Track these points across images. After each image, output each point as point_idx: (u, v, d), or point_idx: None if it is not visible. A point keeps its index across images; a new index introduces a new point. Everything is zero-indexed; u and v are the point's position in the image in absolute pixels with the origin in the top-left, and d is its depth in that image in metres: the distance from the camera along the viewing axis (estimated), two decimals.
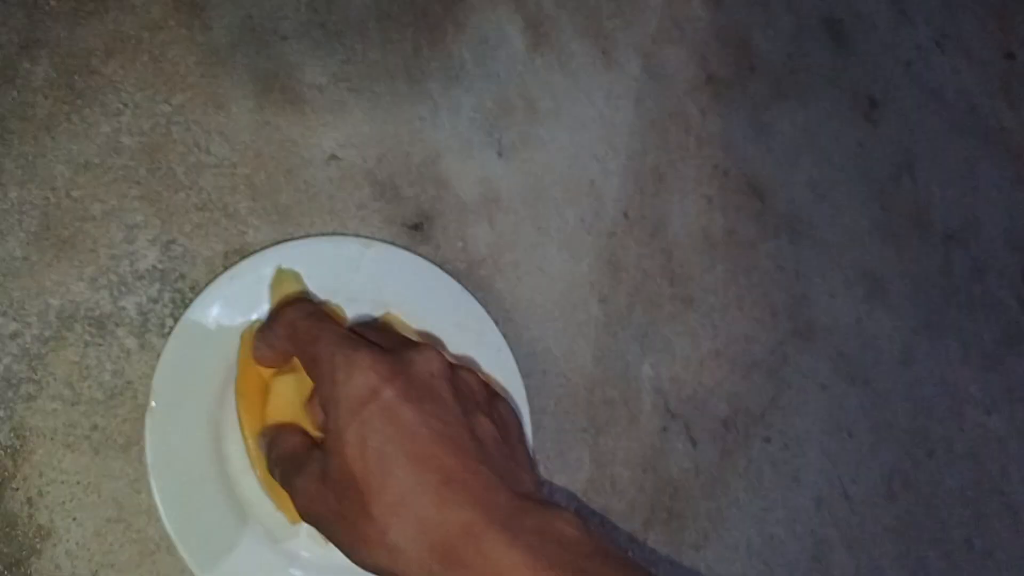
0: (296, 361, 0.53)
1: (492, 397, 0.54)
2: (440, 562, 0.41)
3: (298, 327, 0.52)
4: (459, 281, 0.68)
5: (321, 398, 0.48)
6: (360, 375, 0.45)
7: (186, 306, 0.59)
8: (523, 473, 0.48)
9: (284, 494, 0.58)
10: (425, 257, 0.68)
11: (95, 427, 0.56)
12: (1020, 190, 1.19)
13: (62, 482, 0.55)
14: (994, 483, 1.00)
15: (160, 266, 0.61)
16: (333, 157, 0.69)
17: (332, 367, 0.47)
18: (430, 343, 0.56)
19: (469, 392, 0.51)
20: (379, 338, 0.51)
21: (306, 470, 0.48)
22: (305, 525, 0.58)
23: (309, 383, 0.52)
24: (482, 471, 0.44)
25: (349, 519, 0.44)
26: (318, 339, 0.49)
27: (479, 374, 0.54)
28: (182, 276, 0.61)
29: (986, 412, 1.03)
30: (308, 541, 0.59)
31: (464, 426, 0.46)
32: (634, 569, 0.41)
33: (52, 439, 0.55)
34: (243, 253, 0.62)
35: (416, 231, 0.70)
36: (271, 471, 0.53)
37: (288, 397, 0.55)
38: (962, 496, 0.97)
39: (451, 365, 0.50)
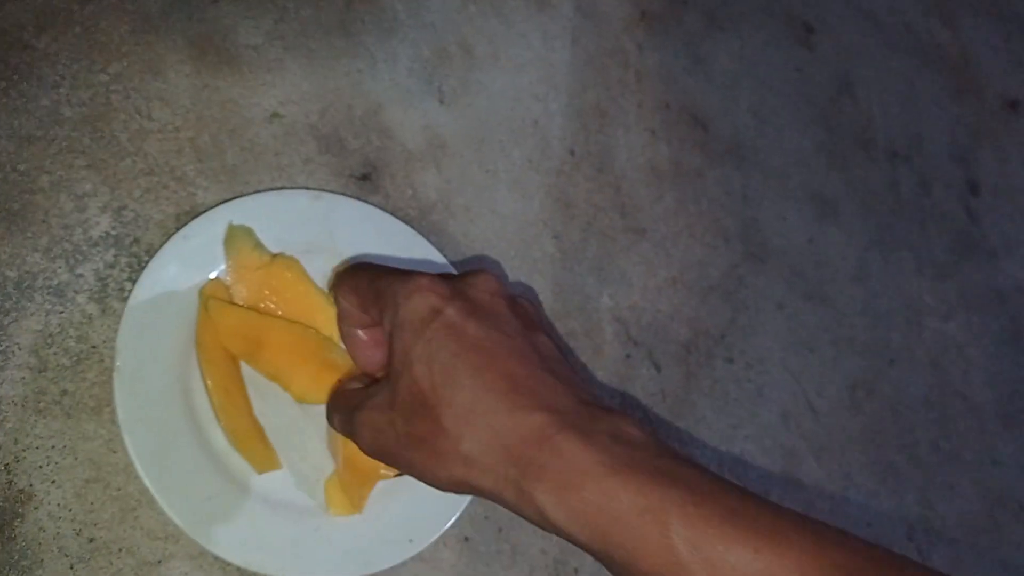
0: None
1: (546, 323, 0.55)
2: (516, 466, 0.41)
3: (359, 276, 0.54)
4: (412, 226, 0.70)
5: (387, 329, 0.48)
6: (421, 297, 0.46)
7: (143, 269, 0.60)
8: (585, 383, 0.48)
9: (250, 443, 0.60)
10: (375, 205, 0.69)
11: (64, 392, 0.57)
12: (959, 104, 1.21)
13: (37, 447, 0.56)
14: (956, 387, 1.03)
15: (113, 232, 0.62)
16: (275, 115, 0.70)
17: (393, 295, 0.47)
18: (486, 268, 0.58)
19: (525, 312, 0.51)
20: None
21: (368, 404, 0.48)
22: (273, 472, 0.60)
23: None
24: (548, 378, 0.44)
25: (421, 437, 0.44)
26: (378, 276, 0.51)
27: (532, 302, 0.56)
28: (136, 240, 0.62)
29: (943, 319, 1.05)
30: (277, 485, 0.60)
31: (526, 339, 0.47)
32: (698, 468, 0.41)
33: (23, 406, 0.56)
34: (194, 213, 0.63)
35: (365, 181, 0.72)
36: (332, 422, 0.56)
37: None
38: (926, 401, 1.00)
39: (507, 288, 0.51)
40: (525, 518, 0.42)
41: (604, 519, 0.39)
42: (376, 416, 0.47)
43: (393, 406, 0.46)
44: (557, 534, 0.41)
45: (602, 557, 0.40)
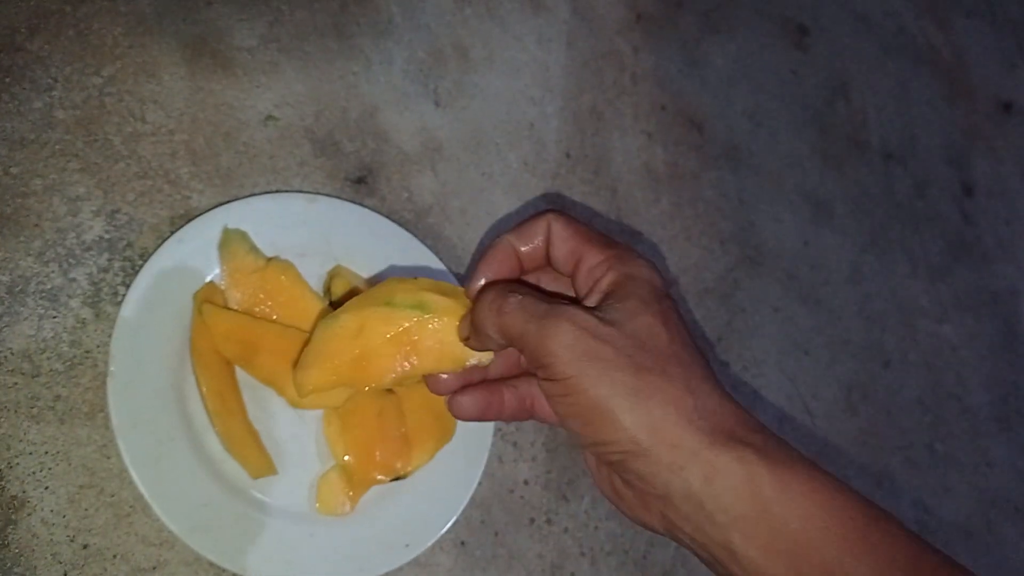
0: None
1: None
2: (719, 442, 0.41)
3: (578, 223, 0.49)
4: (407, 230, 0.69)
5: (618, 270, 0.45)
6: (656, 272, 0.45)
7: (137, 273, 0.59)
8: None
9: (244, 449, 0.59)
10: (370, 208, 0.69)
11: (58, 397, 0.57)
12: (953, 106, 1.21)
13: (30, 453, 0.55)
14: (950, 389, 1.03)
15: (107, 236, 0.61)
16: (270, 117, 0.69)
17: (631, 250, 0.46)
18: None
19: None
20: None
21: (579, 311, 0.43)
22: (268, 477, 0.60)
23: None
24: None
25: (646, 367, 0.42)
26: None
27: None
28: (130, 244, 0.62)
29: (937, 321, 1.06)
30: (272, 490, 0.60)
31: None
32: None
33: (16, 412, 0.55)
34: (188, 217, 0.63)
35: (360, 184, 0.71)
36: (483, 314, 0.46)
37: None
38: (920, 404, 1.00)
39: None
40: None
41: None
42: (592, 323, 0.43)
43: (620, 326, 0.43)
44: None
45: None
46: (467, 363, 0.47)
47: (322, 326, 0.50)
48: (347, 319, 0.49)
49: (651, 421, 0.41)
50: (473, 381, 0.49)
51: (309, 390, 0.50)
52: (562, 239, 0.47)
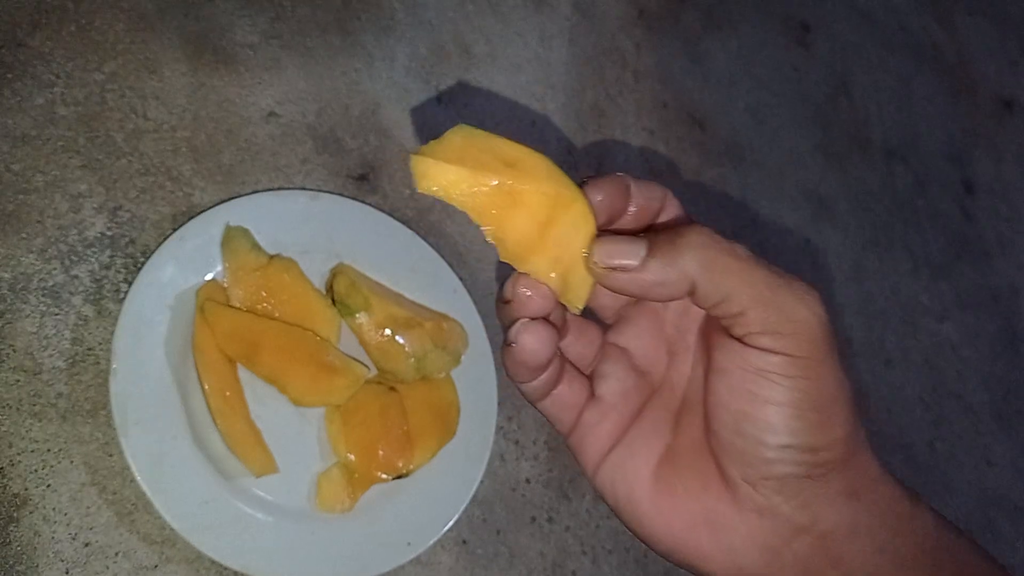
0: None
1: None
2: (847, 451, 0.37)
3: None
4: (410, 227, 0.69)
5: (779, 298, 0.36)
6: (823, 308, 0.37)
7: (139, 270, 0.59)
8: None
9: (246, 447, 0.59)
10: (373, 205, 0.69)
11: (60, 395, 0.56)
12: (955, 103, 1.21)
13: (32, 451, 0.55)
14: (951, 388, 1.03)
15: (109, 233, 0.61)
16: (272, 114, 0.69)
17: (794, 282, 0.37)
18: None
19: None
20: None
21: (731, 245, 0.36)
22: (271, 476, 0.59)
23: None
24: None
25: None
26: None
27: None
28: (132, 241, 0.61)
29: (938, 320, 1.06)
30: (274, 488, 0.60)
31: None
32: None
33: (18, 409, 0.55)
34: (191, 214, 0.63)
35: (362, 182, 0.71)
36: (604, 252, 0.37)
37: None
38: (921, 402, 1.00)
39: None
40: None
41: None
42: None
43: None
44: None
45: None
46: (565, 293, 0.38)
47: (467, 131, 0.38)
48: (503, 142, 0.38)
49: (860, 434, 0.37)
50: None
51: (433, 181, 0.37)
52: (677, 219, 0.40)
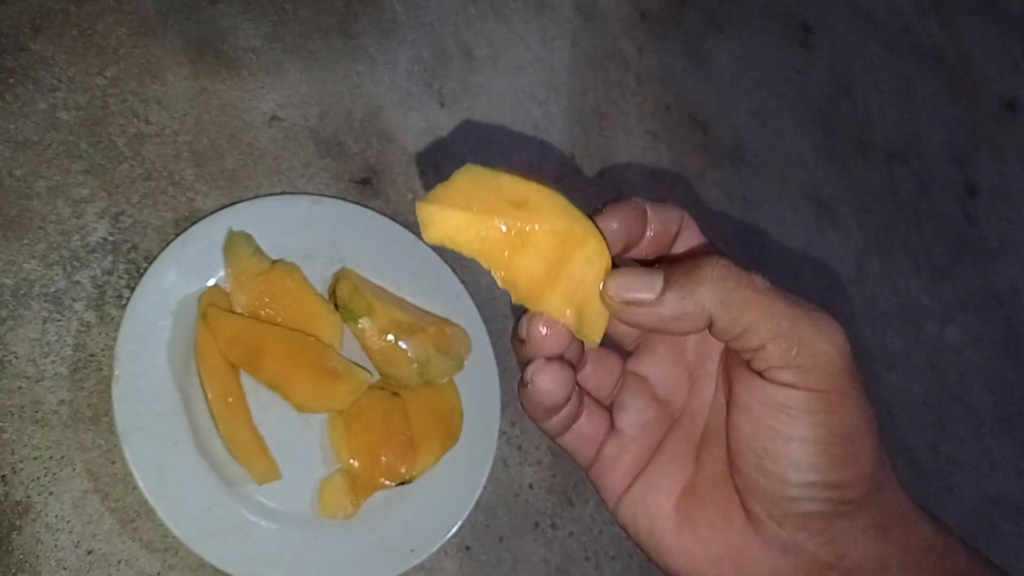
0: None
1: None
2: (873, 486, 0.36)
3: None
4: (412, 231, 0.69)
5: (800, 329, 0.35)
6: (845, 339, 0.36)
7: (141, 276, 0.59)
8: None
9: (249, 454, 0.59)
10: (375, 210, 0.69)
11: (62, 401, 0.56)
12: (957, 105, 1.21)
13: (35, 458, 0.55)
14: (953, 391, 1.03)
15: (111, 238, 0.61)
16: (275, 118, 0.69)
17: (814, 311, 0.36)
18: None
19: None
20: None
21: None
22: (274, 482, 0.59)
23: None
24: None
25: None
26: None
27: None
28: (134, 247, 0.61)
29: (941, 323, 1.05)
30: (277, 495, 0.60)
31: None
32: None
33: (20, 416, 0.55)
34: (193, 219, 0.62)
35: (365, 186, 0.71)
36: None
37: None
38: (924, 405, 1.00)
39: None
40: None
41: None
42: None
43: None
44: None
45: None
46: (582, 329, 0.36)
47: (474, 171, 0.37)
48: (511, 180, 0.37)
49: (887, 467, 0.36)
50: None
51: (440, 228, 0.36)
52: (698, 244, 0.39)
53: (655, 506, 0.39)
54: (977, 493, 0.98)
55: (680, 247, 0.39)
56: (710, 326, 0.35)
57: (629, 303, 0.35)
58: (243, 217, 0.63)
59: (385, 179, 0.72)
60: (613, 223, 0.37)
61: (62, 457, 0.55)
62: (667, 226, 0.38)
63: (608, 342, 0.39)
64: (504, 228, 0.36)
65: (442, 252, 0.70)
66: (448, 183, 0.37)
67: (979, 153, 1.19)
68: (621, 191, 0.84)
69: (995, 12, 1.32)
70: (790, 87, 1.05)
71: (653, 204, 0.38)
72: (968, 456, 1.00)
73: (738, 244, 0.90)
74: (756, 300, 0.34)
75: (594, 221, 0.36)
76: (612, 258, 0.36)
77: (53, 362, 0.57)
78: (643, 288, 0.35)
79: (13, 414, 0.55)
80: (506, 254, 0.36)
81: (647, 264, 0.39)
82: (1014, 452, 1.03)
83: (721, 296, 0.34)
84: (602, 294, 0.36)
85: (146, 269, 0.59)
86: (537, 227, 0.36)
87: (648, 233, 0.38)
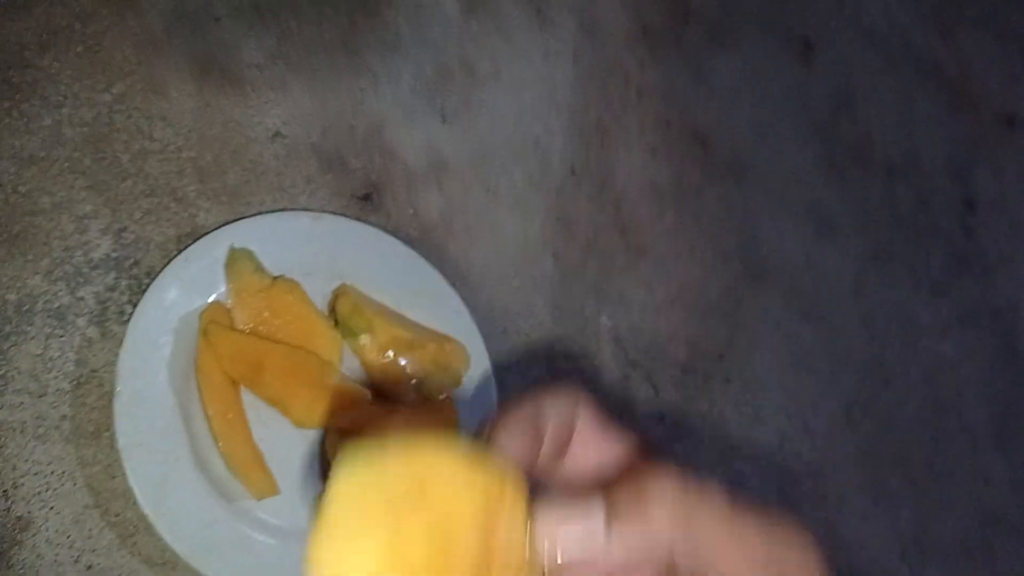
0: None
1: None
2: None
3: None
4: (412, 248, 0.69)
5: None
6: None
7: (143, 292, 0.60)
8: None
9: (248, 470, 0.60)
10: (376, 226, 0.69)
11: (64, 417, 0.57)
12: (957, 120, 1.21)
13: (36, 473, 0.55)
14: (950, 406, 1.03)
15: (114, 254, 0.61)
16: (277, 134, 0.70)
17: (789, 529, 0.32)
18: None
19: None
20: None
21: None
22: (273, 498, 0.60)
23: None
24: None
25: None
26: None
27: None
28: (136, 263, 0.62)
29: (938, 338, 1.06)
30: (276, 510, 0.60)
31: None
32: None
33: (22, 432, 0.55)
34: (195, 236, 0.63)
35: (366, 201, 0.71)
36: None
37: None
38: (920, 420, 1.00)
39: None
40: None
41: None
42: None
43: None
44: None
45: None
46: None
47: (350, 473, 0.29)
48: (397, 464, 0.30)
49: None
50: None
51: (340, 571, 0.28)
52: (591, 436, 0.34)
53: None
54: (972, 509, 0.98)
55: (579, 447, 0.33)
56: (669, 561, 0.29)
57: (571, 558, 0.28)
58: (245, 233, 0.64)
59: (386, 195, 0.72)
60: (512, 447, 0.31)
61: (63, 472, 0.56)
62: (562, 429, 0.33)
63: None
64: (420, 532, 0.29)
65: (442, 268, 0.70)
66: (330, 502, 0.28)
67: (978, 168, 1.19)
68: (620, 206, 0.84)
69: (996, 28, 1.32)
70: (790, 102, 1.05)
71: (538, 402, 0.32)
72: (964, 471, 1.00)
73: (737, 260, 0.91)
74: (720, 524, 0.28)
75: (493, 451, 0.30)
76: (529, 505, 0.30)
77: (55, 378, 0.57)
78: (582, 536, 0.28)
79: (15, 429, 0.55)
80: (435, 560, 0.29)
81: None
82: (1010, 467, 1.03)
83: (680, 523, 0.28)
84: (532, 559, 0.29)
85: (148, 285, 0.60)
86: (456, 520, 0.29)
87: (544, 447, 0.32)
